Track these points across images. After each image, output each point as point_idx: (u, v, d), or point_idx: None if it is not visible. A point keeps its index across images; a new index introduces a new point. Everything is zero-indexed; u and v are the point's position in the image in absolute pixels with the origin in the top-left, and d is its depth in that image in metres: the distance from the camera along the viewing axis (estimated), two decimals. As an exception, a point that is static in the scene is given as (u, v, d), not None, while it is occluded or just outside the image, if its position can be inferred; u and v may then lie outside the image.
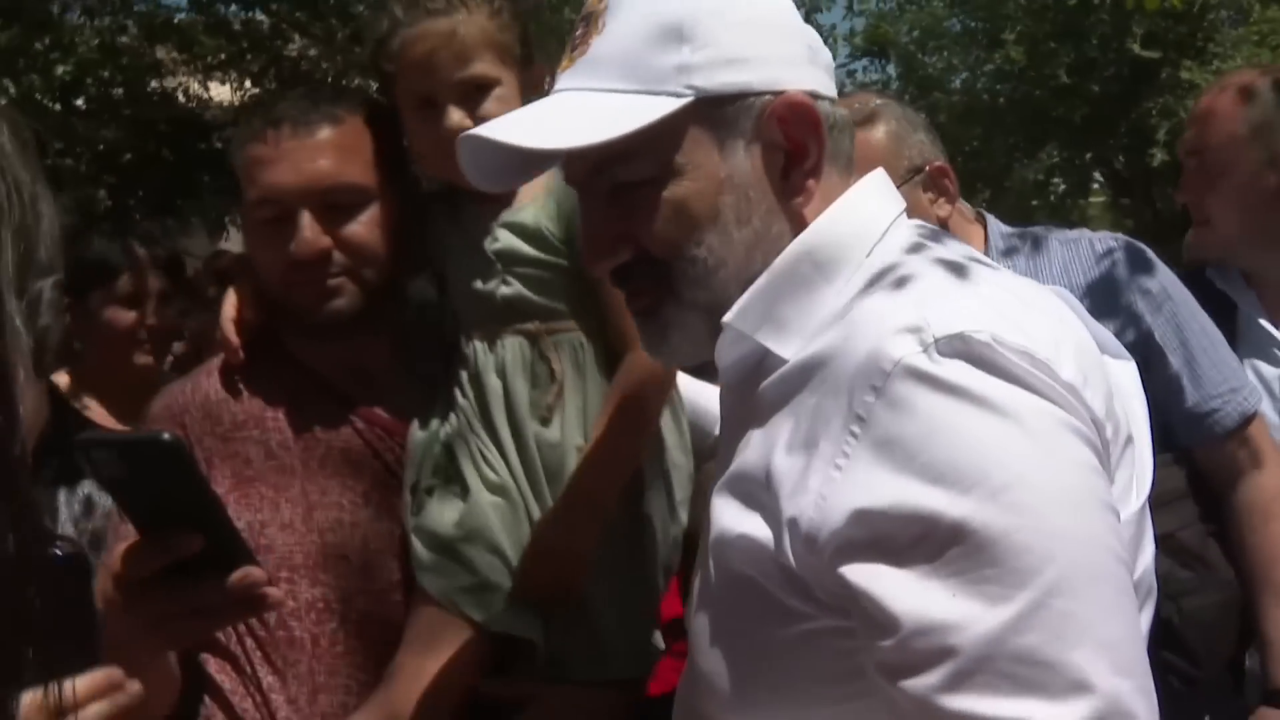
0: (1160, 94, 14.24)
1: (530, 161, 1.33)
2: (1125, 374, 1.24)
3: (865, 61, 18.09)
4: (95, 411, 2.92)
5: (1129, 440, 1.17)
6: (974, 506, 0.98)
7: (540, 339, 1.70)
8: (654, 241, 1.22)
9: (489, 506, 1.68)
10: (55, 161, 7.31)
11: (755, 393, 1.22)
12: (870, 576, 1.01)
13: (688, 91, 1.19)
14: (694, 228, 1.21)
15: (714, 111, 1.21)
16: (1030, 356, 1.04)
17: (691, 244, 1.21)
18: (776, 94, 1.22)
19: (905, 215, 1.29)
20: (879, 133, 2.12)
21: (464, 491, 1.70)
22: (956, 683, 0.97)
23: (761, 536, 1.11)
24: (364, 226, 1.73)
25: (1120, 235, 2.17)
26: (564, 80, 1.27)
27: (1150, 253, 2.11)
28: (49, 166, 3.08)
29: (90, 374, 2.99)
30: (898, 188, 2.08)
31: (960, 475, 0.99)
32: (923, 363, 1.03)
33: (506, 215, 1.72)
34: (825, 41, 1.35)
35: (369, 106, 1.79)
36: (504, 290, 1.70)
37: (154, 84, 8.51)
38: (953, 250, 1.23)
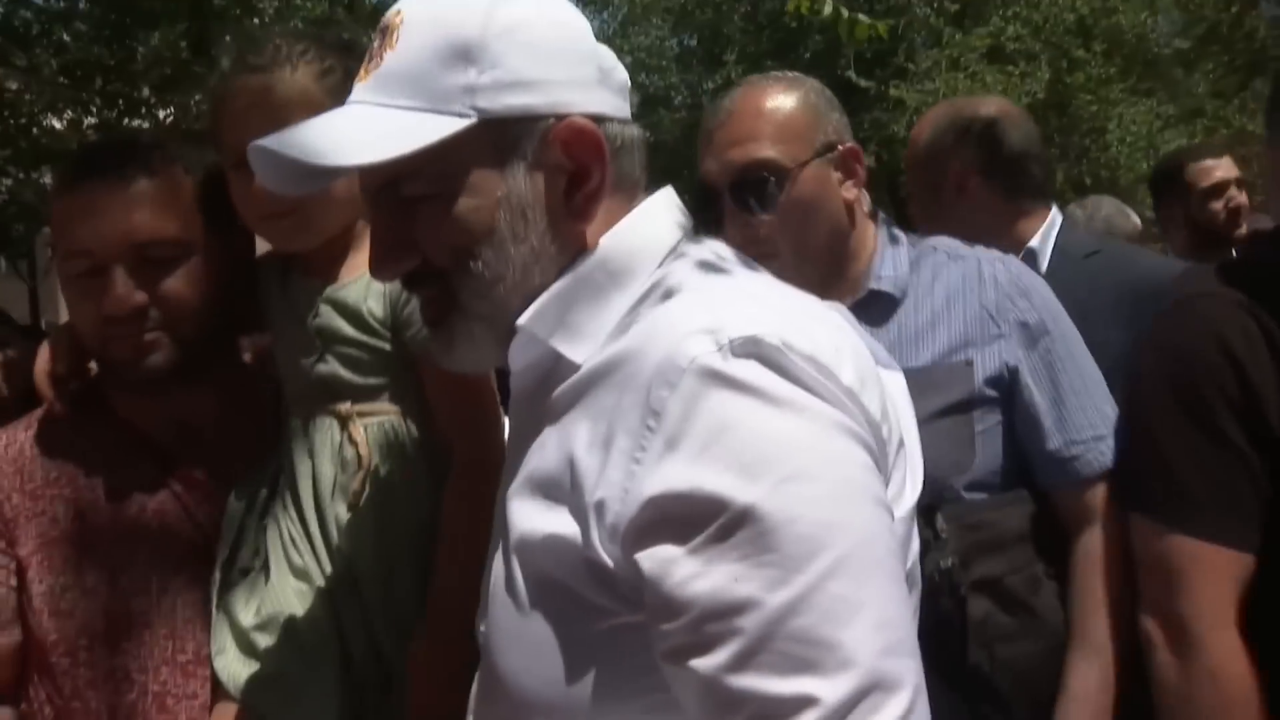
0: (870, 110, 15.16)
1: (322, 170, 1.31)
2: (895, 383, 1.33)
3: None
4: None
5: (900, 444, 1.26)
6: (761, 494, 1.03)
7: (350, 420, 1.65)
8: (435, 253, 1.25)
9: (291, 593, 1.63)
10: None
11: (547, 398, 1.25)
12: (663, 560, 1.06)
13: (471, 112, 1.21)
14: (472, 243, 1.23)
15: (497, 132, 1.23)
16: (815, 362, 1.10)
17: (469, 258, 1.24)
18: (561, 117, 1.25)
19: (691, 232, 1.34)
20: (794, 100, 2.05)
21: (268, 575, 1.65)
22: (741, 662, 1.01)
23: (567, 533, 1.13)
24: (181, 281, 1.66)
25: (1012, 259, 2.10)
26: (360, 89, 1.27)
27: (1039, 281, 2.05)
28: None
29: None
30: (807, 161, 2.01)
31: (749, 465, 1.04)
32: (717, 361, 1.08)
33: (330, 290, 1.66)
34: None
35: (190, 158, 1.71)
36: (320, 368, 1.65)
37: None
38: (738, 267, 1.31)
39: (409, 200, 1.25)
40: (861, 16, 4.66)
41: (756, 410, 1.07)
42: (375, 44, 1.27)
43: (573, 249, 1.27)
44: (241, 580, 1.66)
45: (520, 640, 1.19)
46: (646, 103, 19.30)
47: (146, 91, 8.02)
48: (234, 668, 1.61)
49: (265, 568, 1.65)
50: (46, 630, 1.64)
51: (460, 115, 1.21)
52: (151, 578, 1.68)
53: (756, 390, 1.07)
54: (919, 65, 15.03)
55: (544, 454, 1.22)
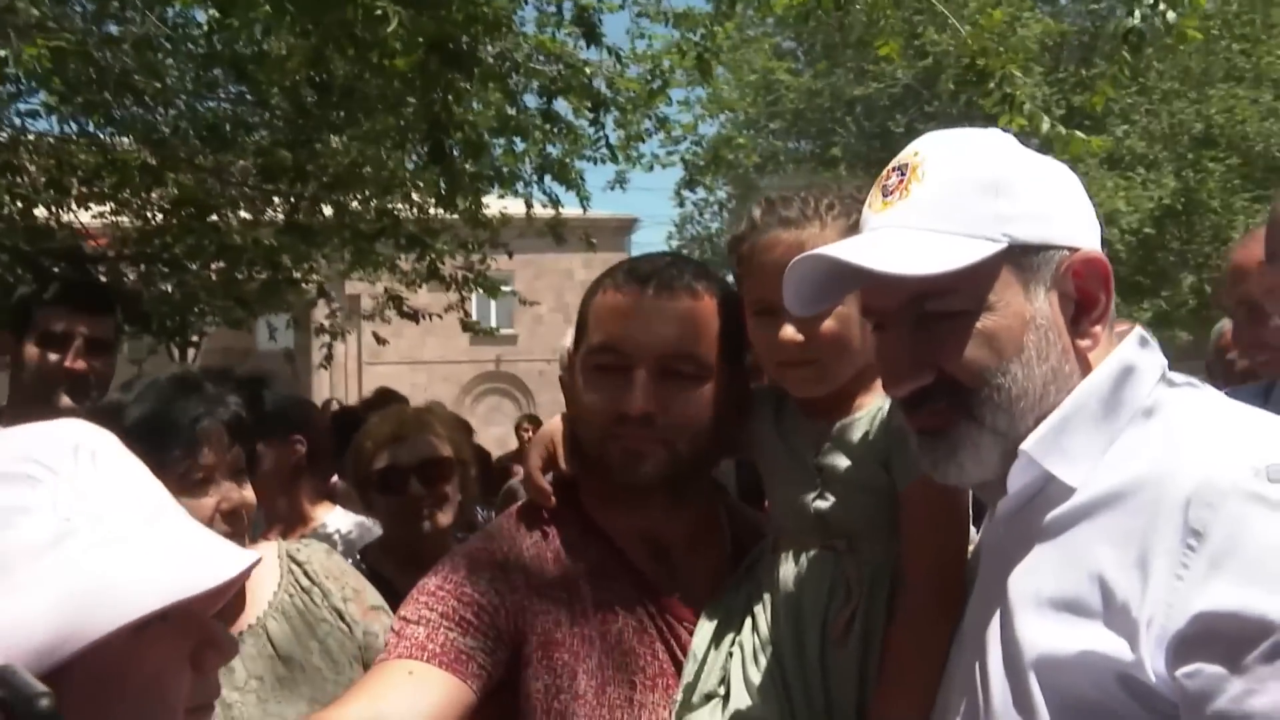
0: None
1: (832, 289, 1.47)
2: None
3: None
4: None
5: None
6: None
7: (844, 558, 1.67)
8: (961, 368, 1.37)
9: (753, 719, 1.66)
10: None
11: (1036, 519, 1.36)
12: (1212, 678, 1.14)
13: (1003, 238, 1.37)
14: (1001, 358, 1.37)
15: (1023, 258, 1.39)
16: None
17: (998, 373, 1.37)
18: (1072, 250, 1.41)
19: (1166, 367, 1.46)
20: None
21: (727, 700, 1.69)
22: None
23: (1106, 650, 1.21)
24: (693, 400, 1.74)
25: None
26: (884, 218, 1.43)
27: None
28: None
29: None
30: None
31: None
32: (1257, 486, 1.20)
33: (836, 430, 1.71)
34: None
35: (722, 288, 1.83)
36: (819, 504, 1.69)
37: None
38: (1221, 396, 1.42)
39: (933, 317, 1.38)
40: (1078, 133, 4.89)
41: None
42: (891, 179, 1.44)
43: (1080, 371, 1.40)
44: (704, 704, 1.71)
45: None
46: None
47: (310, 190, 8.39)
48: None
49: (728, 694, 1.71)
50: None
51: (993, 240, 1.36)
52: (632, 693, 1.72)
53: None
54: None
55: (1053, 573, 1.31)
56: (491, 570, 1.76)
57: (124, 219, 8.85)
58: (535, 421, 10.46)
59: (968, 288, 1.36)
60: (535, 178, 8.03)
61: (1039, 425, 1.37)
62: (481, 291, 10.20)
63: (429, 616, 1.70)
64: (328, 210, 8.69)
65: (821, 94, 18.05)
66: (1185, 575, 1.18)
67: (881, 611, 1.65)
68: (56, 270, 8.24)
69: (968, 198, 1.39)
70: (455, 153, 5.99)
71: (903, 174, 1.43)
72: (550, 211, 9.31)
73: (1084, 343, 1.42)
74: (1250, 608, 1.14)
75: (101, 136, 7.71)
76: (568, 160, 8.20)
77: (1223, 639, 1.15)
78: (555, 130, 6.89)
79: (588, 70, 6.67)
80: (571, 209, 9.07)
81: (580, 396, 1.80)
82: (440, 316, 9.87)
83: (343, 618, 2.43)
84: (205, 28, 5.71)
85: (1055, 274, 1.40)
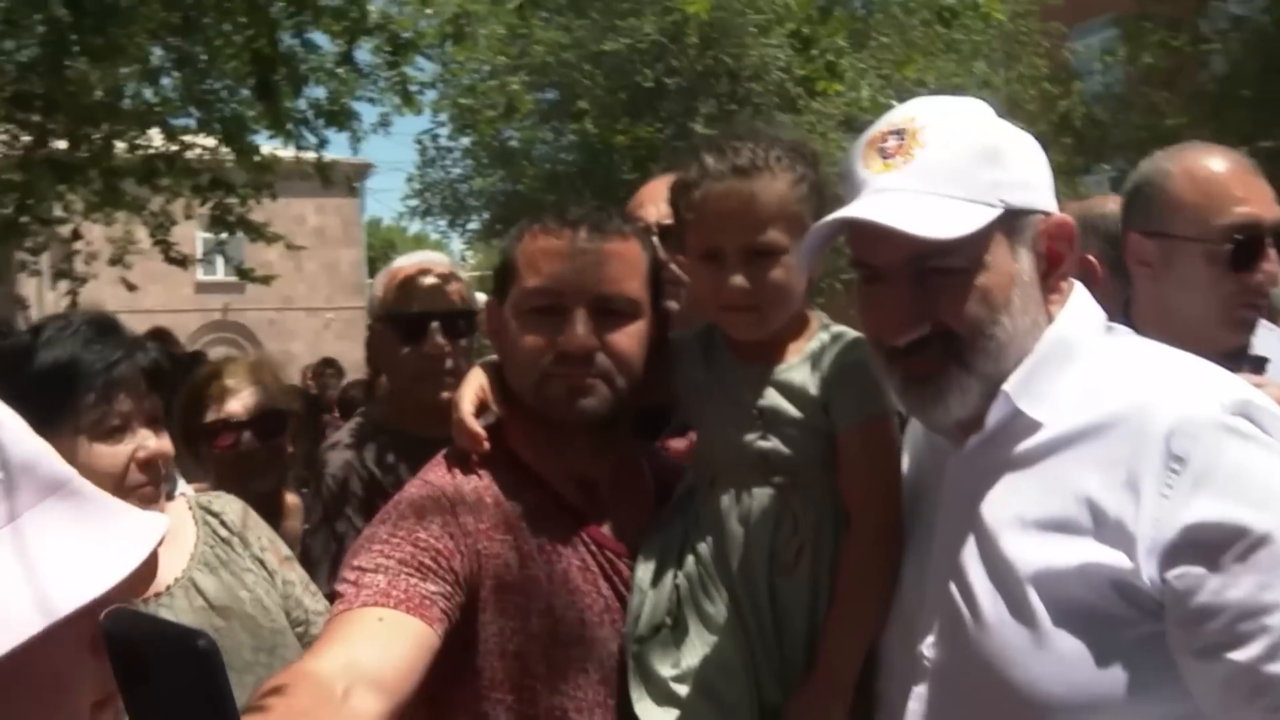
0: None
1: (824, 239, 1.61)
2: None
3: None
4: None
5: None
6: (1275, 521, 1.36)
7: (788, 493, 1.77)
8: (960, 321, 1.54)
9: (711, 649, 1.75)
10: None
11: (1006, 452, 1.55)
12: (1197, 576, 1.37)
13: (1000, 204, 1.54)
14: (994, 312, 1.54)
15: (1013, 222, 1.54)
16: (1277, 418, 1.47)
17: (991, 324, 1.54)
18: (1046, 214, 1.59)
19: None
20: None
21: (683, 631, 1.78)
22: (1273, 653, 1.34)
23: (1105, 561, 1.41)
24: (629, 338, 1.81)
25: None
26: (888, 180, 1.55)
27: None
28: None
29: None
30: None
31: (1263, 499, 1.38)
32: (1228, 420, 1.43)
33: (776, 374, 1.80)
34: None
35: (641, 232, 1.93)
36: (762, 444, 1.77)
37: None
38: (1152, 342, 1.66)
39: (932, 273, 1.54)
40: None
41: (1262, 456, 1.41)
42: (889, 142, 1.57)
43: (1046, 322, 1.61)
44: (653, 635, 1.79)
45: (1044, 655, 1.44)
46: (508, 155, 19.72)
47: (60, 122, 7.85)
48: (653, 714, 1.75)
49: (678, 624, 1.78)
50: (494, 670, 1.75)
51: (991, 205, 1.54)
52: (583, 630, 1.79)
53: (1259, 440, 1.42)
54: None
55: (1033, 498, 1.51)
56: (441, 515, 1.77)
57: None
58: (333, 365, 9.86)
59: (967, 248, 1.50)
60: (317, 119, 7.76)
61: (1016, 369, 1.55)
62: (244, 236, 9.77)
63: (386, 564, 1.69)
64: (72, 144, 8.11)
65: (568, 47, 18.14)
66: (1171, 494, 1.39)
67: (828, 543, 1.76)
68: None
69: (969, 165, 1.52)
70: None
71: (901, 137, 1.55)
72: (312, 155, 9.05)
73: (1051, 296, 1.60)
74: (1227, 518, 1.37)
75: None
76: (344, 102, 8.00)
77: (1204, 545, 1.37)
78: (348, 73, 6.69)
79: (372, 10, 6.53)
80: (338, 152, 8.85)
81: (515, 339, 1.84)
82: (223, 259, 9.41)
83: (264, 566, 2.41)
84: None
85: (1034, 235, 1.57)
